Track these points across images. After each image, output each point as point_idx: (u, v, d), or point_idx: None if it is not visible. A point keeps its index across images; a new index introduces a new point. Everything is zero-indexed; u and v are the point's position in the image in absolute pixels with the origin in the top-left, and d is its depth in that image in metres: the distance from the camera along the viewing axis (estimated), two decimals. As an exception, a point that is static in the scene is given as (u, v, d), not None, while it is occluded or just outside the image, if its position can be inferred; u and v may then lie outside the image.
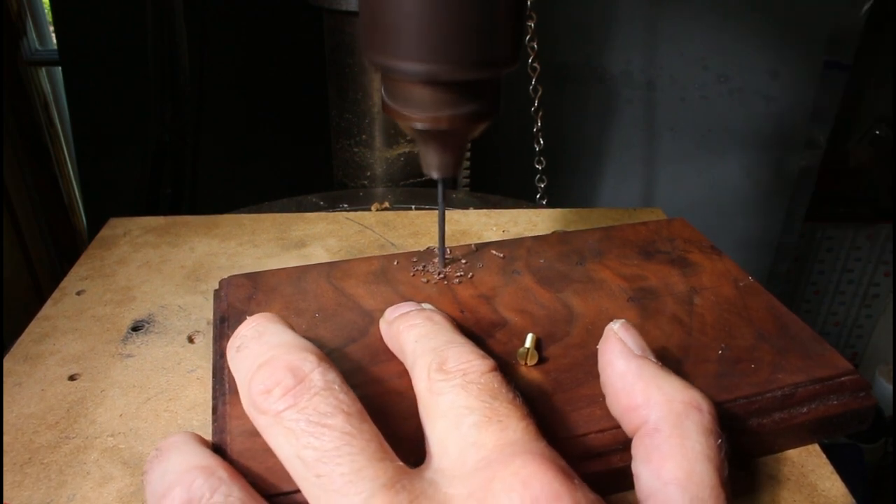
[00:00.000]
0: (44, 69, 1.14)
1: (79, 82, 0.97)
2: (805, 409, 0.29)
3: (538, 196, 0.61)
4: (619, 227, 0.42)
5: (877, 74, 1.19)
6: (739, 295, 0.35)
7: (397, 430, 0.25)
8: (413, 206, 0.58)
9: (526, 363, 0.29)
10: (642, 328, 0.32)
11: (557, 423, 0.26)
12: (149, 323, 0.37)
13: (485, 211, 0.51)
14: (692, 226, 0.42)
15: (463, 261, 0.37)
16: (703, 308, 0.34)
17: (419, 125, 0.30)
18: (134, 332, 0.37)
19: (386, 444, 0.21)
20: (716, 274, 0.37)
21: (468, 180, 0.76)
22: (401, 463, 0.21)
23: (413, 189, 0.66)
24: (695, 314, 0.33)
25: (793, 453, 0.29)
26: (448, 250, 0.38)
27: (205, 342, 0.36)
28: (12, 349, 0.35)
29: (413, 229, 0.48)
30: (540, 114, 0.58)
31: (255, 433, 0.24)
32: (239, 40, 0.93)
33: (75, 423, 0.30)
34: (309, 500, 0.21)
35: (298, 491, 0.22)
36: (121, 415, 0.31)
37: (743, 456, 0.29)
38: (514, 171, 0.81)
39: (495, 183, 0.81)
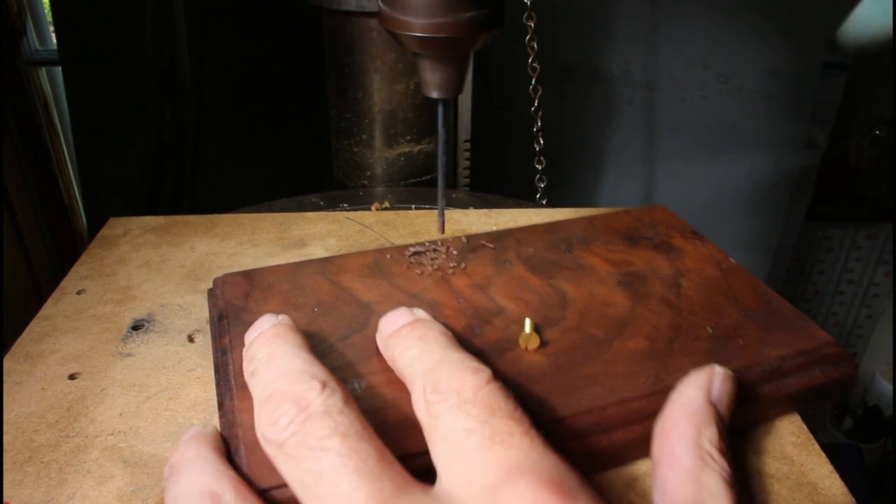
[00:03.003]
0: (44, 69, 1.14)
1: (79, 82, 0.97)
2: (792, 380, 0.30)
3: (538, 196, 0.61)
4: (602, 215, 0.43)
5: (877, 74, 1.19)
6: (723, 276, 0.36)
7: (405, 416, 0.26)
8: (413, 206, 0.58)
9: (527, 348, 0.30)
10: (634, 310, 0.33)
11: (561, 402, 0.27)
12: (149, 322, 0.37)
13: (485, 211, 0.51)
14: (672, 212, 0.44)
15: (455, 252, 0.38)
16: (689, 290, 0.35)
17: (419, 33, 0.29)
18: (134, 332, 0.37)
19: (389, 460, 0.22)
20: (699, 257, 0.38)
21: (468, 180, 0.76)
22: (405, 478, 0.21)
23: (413, 189, 0.66)
24: (682, 296, 0.35)
25: (792, 452, 0.29)
26: (439, 243, 0.39)
27: (205, 341, 0.36)
28: (12, 348, 0.35)
29: (413, 229, 0.48)
30: (540, 114, 0.58)
31: None
32: (239, 40, 0.93)
33: (75, 421, 0.30)
34: None
35: None
36: (121, 414, 0.31)
37: (736, 428, 0.30)
38: (514, 171, 0.81)
39: (495, 183, 0.81)
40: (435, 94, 0.32)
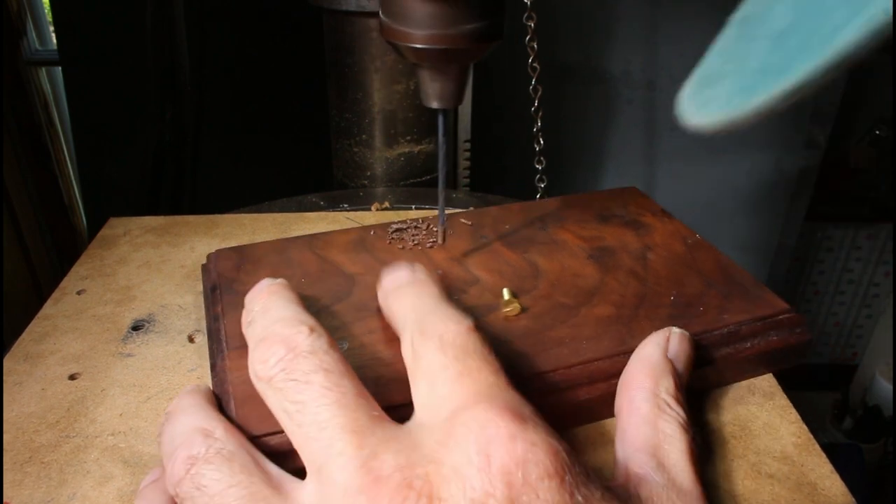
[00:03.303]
0: (44, 69, 1.14)
1: (79, 82, 0.96)
2: (749, 344, 0.32)
3: (538, 196, 0.61)
4: (577, 196, 0.45)
5: (877, 74, 1.19)
6: (688, 250, 0.38)
7: (385, 372, 0.28)
8: (413, 206, 0.58)
9: (509, 315, 0.32)
10: (603, 281, 0.35)
11: (529, 362, 0.29)
12: (149, 322, 0.37)
13: (485, 210, 0.51)
14: (644, 193, 0.45)
15: (434, 229, 0.40)
16: (655, 262, 0.37)
17: (419, 45, 0.29)
18: (134, 332, 0.37)
19: (367, 396, 0.23)
20: (666, 233, 0.40)
21: (468, 180, 0.76)
22: (381, 413, 0.23)
23: (413, 189, 0.66)
24: (649, 268, 0.37)
25: (793, 452, 0.29)
26: (420, 221, 0.41)
27: (205, 341, 0.36)
28: (12, 348, 0.35)
29: (413, 229, 0.48)
30: (540, 114, 0.58)
31: None
32: (239, 40, 0.93)
33: (75, 422, 0.30)
34: (296, 447, 0.23)
35: None
36: (121, 414, 0.31)
37: (698, 390, 0.32)
38: (514, 171, 0.81)
39: (495, 183, 0.81)
40: (435, 105, 0.32)
